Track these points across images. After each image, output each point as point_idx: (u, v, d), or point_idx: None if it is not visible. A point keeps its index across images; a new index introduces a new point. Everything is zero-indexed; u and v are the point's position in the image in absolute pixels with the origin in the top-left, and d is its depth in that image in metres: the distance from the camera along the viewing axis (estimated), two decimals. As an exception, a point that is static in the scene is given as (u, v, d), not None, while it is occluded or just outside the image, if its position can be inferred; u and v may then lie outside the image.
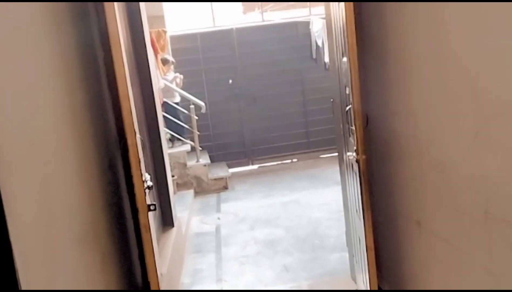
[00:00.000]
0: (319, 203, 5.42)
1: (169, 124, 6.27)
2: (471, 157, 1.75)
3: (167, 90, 6.25)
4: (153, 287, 2.30)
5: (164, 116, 5.65)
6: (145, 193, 2.19)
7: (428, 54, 1.96)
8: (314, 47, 7.31)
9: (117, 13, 2.12)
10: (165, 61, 6.28)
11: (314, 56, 7.35)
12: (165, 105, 6.22)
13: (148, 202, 2.26)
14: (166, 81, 6.15)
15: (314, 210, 5.24)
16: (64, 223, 1.63)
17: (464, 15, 1.67)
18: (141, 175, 2.17)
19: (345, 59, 2.42)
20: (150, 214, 3.40)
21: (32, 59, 1.56)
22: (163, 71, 6.31)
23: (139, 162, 2.17)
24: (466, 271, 1.92)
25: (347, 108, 2.47)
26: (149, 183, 2.31)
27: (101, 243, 2.06)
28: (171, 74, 6.37)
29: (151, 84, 4.24)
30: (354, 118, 2.29)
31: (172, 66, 6.38)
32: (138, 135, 2.22)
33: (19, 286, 1.19)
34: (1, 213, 1.15)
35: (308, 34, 7.35)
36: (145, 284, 2.74)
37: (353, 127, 2.33)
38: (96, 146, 2.21)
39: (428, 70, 1.99)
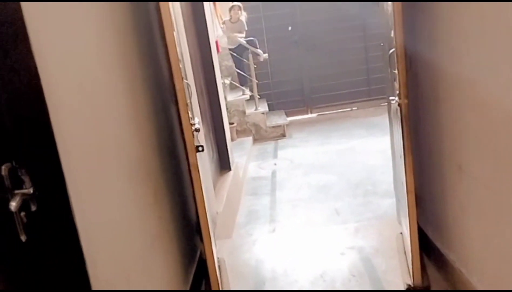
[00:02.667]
0: (375, 150, 5.41)
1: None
2: (509, 98, 1.72)
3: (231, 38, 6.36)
4: (202, 223, 2.51)
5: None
6: (193, 134, 2.36)
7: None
8: (377, -10, 7.00)
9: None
10: (231, 8, 6.33)
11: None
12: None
13: (196, 143, 2.42)
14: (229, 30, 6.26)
15: (370, 157, 5.25)
16: (115, 158, 1.83)
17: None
18: (189, 117, 2.32)
19: (390, 2, 2.37)
20: (205, 157, 3.62)
21: (84, 7, 1.72)
22: (224, 19, 6.39)
23: (187, 105, 2.32)
24: (503, 215, 1.93)
25: (390, 51, 2.44)
26: (197, 126, 2.47)
27: (153, 179, 2.27)
28: (241, 22, 6.42)
29: (207, 32, 4.35)
30: (397, 62, 2.28)
31: (240, 11, 6.38)
32: (185, 80, 2.36)
33: (72, 214, 1.37)
34: (55, 152, 1.32)
35: (370, -23, 7.04)
36: (199, 220, 2.98)
37: (396, 71, 2.32)
38: (149, 89, 2.38)
39: (471, 12, 1.93)
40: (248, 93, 6.56)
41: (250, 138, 6.44)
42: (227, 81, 6.50)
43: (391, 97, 2.53)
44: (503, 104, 1.79)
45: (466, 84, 2.08)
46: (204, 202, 2.45)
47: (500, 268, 2.02)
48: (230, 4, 6.40)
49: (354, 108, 7.53)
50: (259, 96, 6.71)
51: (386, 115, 6.97)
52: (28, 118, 1.26)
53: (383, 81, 7.19)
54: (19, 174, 1.26)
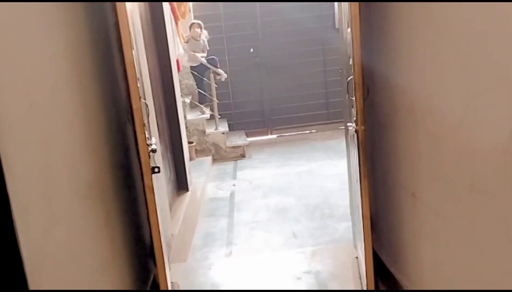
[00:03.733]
0: (333, 174, 5.48)
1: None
2: (461, 129, 1.78)
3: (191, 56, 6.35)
4: (156, 247, 2.44)
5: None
6: (149, 155, 2.30)
7: (426, 30, 1.97)
8: (337, 17, 7.19)
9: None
10: (191, 26, 6.33)
11: (336, 26, 7.24)
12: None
13: (153, 164, 2.36)
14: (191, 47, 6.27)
15: (327, 180, 5.30)
16: (65, 178, 1.75)
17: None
18: (145, 138, 2.27)
19: (349, 30, 2.43)
20: (162, 177, 3.54)
21: (38, 21, 1.65)
22: (185, 37, 6.38)
23: (144, 125, 2.27)
24: (452, 241, 1.97)
25: (348, 79, 2.49)
26: (154, 147, 2.41)
27: (106, 200, 2.19)
28: (201, 40, 6.42)
29: (168, 50, 4.32)
30: (354, 89, 2.32)
31: (200, 29, 6.37)
32: (143, 100, 2.32)
33: (18, 242, 1.29)
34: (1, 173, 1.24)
35: (331, 4, 7.23)
36: (153, 243, 2.90)
37: (353, 98, 2.36)
38: (105, 109, 2.32)
39: (425, 45, 2.00)
40: (208, 112, 6.53)
41: (210, 158, 6.39)
42: (188, 100, 6.46)
43: (348, 124, 2.57)
44: (454, 135, 1.84)
45: (420, 115, 2.14)
46: (158, 225, 2.38)
47: (451, 294, 2.06)
48: (191, 22, 6.40)
49: (313, 130, 7.63)
50: (219, 116, 6.70)
51: (344, 139, 7.11)
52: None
53: (341, 106, 7.38)
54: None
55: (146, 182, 2.29)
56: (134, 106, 2.19)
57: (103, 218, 2.13)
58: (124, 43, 2.14)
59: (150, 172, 2.29)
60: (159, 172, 2.40)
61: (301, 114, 7.58)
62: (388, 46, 2.41)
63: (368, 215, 2.42)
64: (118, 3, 2.11)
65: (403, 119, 2.34)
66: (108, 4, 2.55)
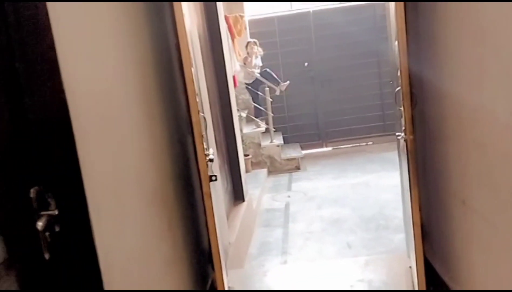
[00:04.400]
0: (388, 185, 5.45)
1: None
2: (507, 136, 1.81)
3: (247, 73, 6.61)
4: (214, 251, 2.60)
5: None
6: (207, 164, 2.48)
7: (472, 40, 2.02)
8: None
9: (185, 6, 2.40)
10: (248, 44, 6.59)
11: (391, 38, 7.23)
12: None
13: (210, 173, 2.54)
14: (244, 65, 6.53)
15: (383, 192, 5.29)
16: (134, 186, 1.96)
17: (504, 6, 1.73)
18: (203, 148, 2.45)
19: (396, 42, 2.51)
20: (219, 187, 3.72)
21: (110, 45, 1.88)
22: (241, 54, 6.64)
23: (202, 136, 2.45)
24: (503, 248, 1.98)
25: (397, 89, 2.56)
26: (211, 156, 2.59)
27: (168, 207, 2.38)
28: (258, 59, 6.67)
29: (225, 67, 4.54)
30: (403, 99, 2.39)
31: (256, 47, 6.62)
32: (201, 113, 2.51)
33: (92, 237, 1.48)
34: (79, 177, 1.44)
35: (385, 16, 7.22)
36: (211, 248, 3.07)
37: (402, 109, 2.43)
38: (167, 123, 2.53)
39: (471, 55, 2.04)
40: (263, 126, 6.71)
41: (265, 170, 6.54)
42: (244, 114, 6.67)
43: (397, 133, 2.62)
44: (500, 142, 1.87)
45: (468, 123, 2.17)
46: (216, 230, 2.54)
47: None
48: (247, 40, 6.64)
49: (369, 143, 7.60)
50: (274, 129, 6.85)
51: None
52: (55, 145, 1.39)
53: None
54: (46, 196, 1.39)
55: (205, 189, 2.46)
56: (194, 119, 2.38)
57: (166, 223, 2.32)
58: (184, 61, 2.34)
59: (208, 180, 2.46)
60: (215, 180, 2.57)
61: (357, 126, 7.58)
62: (436, 55, 2.46)
63: (418, 222, 2.46)
64: (178, 25, 2.31)
65: (452, 128, 2.37)
66: (169, 25, 2.79)
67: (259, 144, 6.63)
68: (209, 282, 3.07)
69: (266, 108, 6.75)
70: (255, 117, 6.85)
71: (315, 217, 4.88)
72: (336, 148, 7.65)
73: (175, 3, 2.30)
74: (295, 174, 6.59)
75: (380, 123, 7.60)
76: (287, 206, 5.37)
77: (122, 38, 2.03)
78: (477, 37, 1.99)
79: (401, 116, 2.65)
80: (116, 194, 1.77)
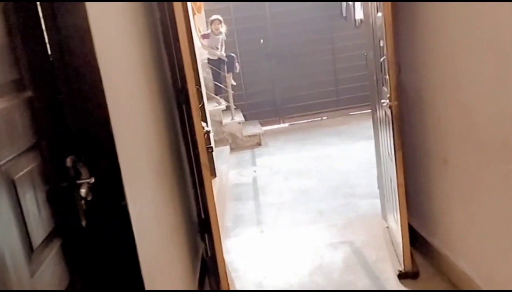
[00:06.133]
0: (348, 157, 5.71)
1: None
2: (492, 98, 2.01)
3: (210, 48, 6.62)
4: (212, 219, 2.67)
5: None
6: (204, 135, 2.53)
7: (455, 9, 2.20)
8: (344, 6, 7.41)
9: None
10: (212, 21, 6.55)
11: (344, 14, 7.47)
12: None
13: (207, 145, 2.59)
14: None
15: (344, 163, 5.54)
16: (146, 158, 1.99)
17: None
18: (200, 120, 2.50)
19: (379, 14, 2.66)
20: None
21: (117, 29, 1.88)
22: (202, 31, 6.61)
23: (199, 109, 2.50)
24: (484, 199, 2.21)
25: (381, 59, 2.72)
26: (207, 129, 2.64)
27: (168, 178, 2.42)
28: (222, 35, 6.65)
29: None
30: (388, 68, 2.55)
31: (220, 25, 6.60)
32: (197, 86, 2.54)
33: (125, 199, 1.52)
34: (112, 144, 1.47)
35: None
36: (200, 219, 3.14)
37: (387, 77, 2.59)
38: (162, 96, 2.55)
39: (455, 22, 2.23)
40: (224, 103, 6.75)
41: (227, 147, 6.61)
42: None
43: (382, 101, 2.80)
44: (485, 103, 2.08)
45: (449, 87, 2.38)
46: (214, 200, 2.61)
47: (484, 249, 2.30)
48: (210, 18, 6.60)
49: (324, 117, 7.86)
50: (235, 107, 6.92)
51: (355, 124, 7.34)
52: (87, 118, 1.41)
53: (351, 92, 7.63)
54: (78, 166, 1.41)
55: (203, 160, 2.51)
56: (190, 91, 2.42)
57: (168, 192, 2.36)
58: (180, 32, 2.35)
59: (205, 151, 2.51)
60: (212, 151, 2.62)
61: (312, 102, 7.80)
62: (415, 25, 2.64)
63: (403, 182, 2.66)
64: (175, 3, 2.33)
65: (432, 94, 2.57)
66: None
67: (221, 122, 6.68)
68: (200, 253, 3.15)
69: (226, 86, 6.79)
70: (215, 95, 6.87)
71: (283, 188, 5.04)
72: (293, 124, 7.85)
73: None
74: (257, 150, 6.71)
75: (334, 98, 7.87)
76: (254, 180, 5.49)
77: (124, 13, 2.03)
78: (462, 7, 2.17)
79: (383, 84, 2.83)
80: (137, 163, 1.80)
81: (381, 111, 3.00)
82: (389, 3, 2.46)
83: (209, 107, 6.63)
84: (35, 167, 1.23)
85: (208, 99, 6.87)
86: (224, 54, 6.73)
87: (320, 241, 3.46)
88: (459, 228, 2.53)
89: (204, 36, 6.57)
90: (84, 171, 1.42)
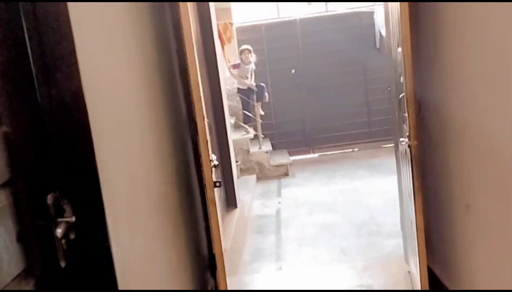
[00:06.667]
0: (377, 191, 5.50)
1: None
2: (516, 142, 1.84)
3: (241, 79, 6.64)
4: (218, 258, 2.57)
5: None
6: (211, 170, 2.46)
7: (479, 44, 2.05)
8: (377, 37, 7.30)
9: (189, 10, 2.38)
10: (242, 51, 6.59)
11: (377, 46, 7.34)
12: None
13: (214, 179, 2.52)
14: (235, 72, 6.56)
15: (372, 198, 5.33)
16: (143, 192, 1.92)
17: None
18: (208, 154, 2.43)
19: (399, 49, 2.54)
20: (216, 192, 3.70)
21: (116, 54, 1.85)
22: (231, 61, 6.66)
23: (207, 142, 2.43)
24: (507, 253, 2.01)
25: (401, 95, 2.59)
26: (215, 162, 2.57)
27: (172, 214, 2.35)
28: (251, 64, 6.67)
29: (218, 73, 4.53)
30: (407, 105, 2.41)
31: (250, 55, 6.62)
32: (206, 119, 2.49)
33: (109, 243, 1.45)
34: (97, 183, 1.41)
35: (372, 24, 7.35)
36: (210, 254, 3.04)
37: (406, 114, 2.45)
38: (171, 128, 2.50)
39: (478, 59, 2.08)
40: (252, 132, 6.71)
41: (254, 176, 6.53)
42: (232, 121, 6.65)
43: (401, 139, 2.65)
44: (508, 147, 1.90)
45: (474, 128, 2.21)
46: (220, 238, 2.52)
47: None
48: (240, 47, 6.64)
49: (355, 149, 7.67)
50: (263, 136, 6.85)
51: (387, 157, 7.12)
52: (71, 152, 1.36)
53: (384, 124, 7.41)
54: (61, 203, 1.35)
55: (209, 195, 2.44)
56: (199, 125, 2.36)
57: (171, 229, 2.29)
58: (190, 66, 2.32)
59: (212, 185, 2.44)
60: (220, 186, 2.55)
61: (343, 133, 7.63)
62: (438, 63, 2.50)
63: (422, 227, 2.48)
64: (184, 27, 2.29)
65: (455, 135, 2.41)
66: (170, 29, 2.77)
67: (248, 151, 6.62)
68: (208, 289, 3.04)
69: (254, 115, 6.75)
70: (244, 123, 6.84)
71: (307, 222, 4.88)
72: (323, 154, 7.69)
73: (181, 4, 2.28)
74: (284, 180, 6.59)
75: (365, 130, 7.68)
76: (278, 212, 5.36)
77: (127, 39, 2.00)
78: (482, 40, 2.03)
79: (403, 122, 2.68)
80: (129, 200, 1.74)
81: (402, 149, 2.85)
82: (408, 37, 2.35)
83: (237, 136, 6.60)
84: (7, 204, 1.19)
85: (236, 128, 6.86)
86: (254, 84, 6.72)
87: (339, 284, 3.28)
88: (483, 281, 2.31)
89: (234, 66, 6.60)
90: (68, 209, 1.37)
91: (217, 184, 2.51)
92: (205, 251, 3.06)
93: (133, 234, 1.75)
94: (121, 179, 1.67)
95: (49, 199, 1.31)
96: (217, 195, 3.92)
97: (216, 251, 2.52)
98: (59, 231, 1.31)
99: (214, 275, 3.05)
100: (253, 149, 6.71)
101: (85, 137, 1.38)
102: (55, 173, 1.35)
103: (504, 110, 1.93)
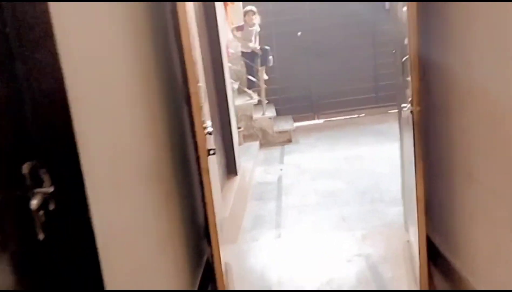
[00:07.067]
0: (382, 158, 5.40)
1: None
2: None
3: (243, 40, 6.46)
4: (211, 228, 2.52)
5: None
6: (205, 138, 2.37)
7: (487, 5, 1.91)
8: (387, -2, 7.02)
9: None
10: (246, 12, 6.39)
11: (387, 7, 7.06)
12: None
13: (209, 147, 2.44)
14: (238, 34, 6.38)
15: (377, 165, 5.24)
16: (131, 160, 1.85)
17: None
18: (202, 121, 2.34)
19: (405, 8, 2.39)
20: (214, 160, 3.63)
21: (104, 11, 1.74)
22: (236, 23, 6.46)
23: (200, 108, 2.34)
24: (509, 223, 1.93)
25: (404, 59, 2.45)
26: (210, 129, 2.48)
27: (164, 181, 2.28)
28: (256, 26, 6.47)
29: (218, 35, 4.38)
30: (411, 69, 2.28)
31: (255, 16, 6.41)
32: (199, 83, 2.38)
33: (89, 214, 1.38)
34: (75, 151, 1.34)
35: (381, -16, 7.06)
36: (207, 224, 2.99)
37: (409, 79, 2.33)
38: (163, 92, 2.40)
39: (486, 21, 1.94)
40: (256, 98, 6.58)
41: (257, 143, 6.45)
42: (235, 86, 6.52)
43: (403, 105, 2.53)
44: (516, 114, 1.79)
45: (478, 94, 2.09)
46: (213, 207, 2.46)
47: (508, 276, 2.02)
48: (244, 8, 6.43)
49: (361, 115, 7.53)
50: (267, 101, 6.73)
51: (393, 122, 6.94)
52: (49, 119, 1.27)
53: (391, 89, 7.20)
54: (39, 173, 1.28)
55: (203, 164, 2.36)
56: (192, 90, 2.26)
57: (163, 199, 2.23)
58: (182, 29, 2.20)
59: (206, 154, 2.36)
60: (214, 154, 2.47)
61: (349, 98, 7.48)
62: (445, 25, 2.35)
63: (422, 197, 2.40)
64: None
65: (459, 101, 2.29)
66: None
67: (251, 117, 6.51)
68: (204, 259, 3.01)
69: (259, 80, 6.61)
70: (248, 88, 6.71)
71: (309, 190, 4.82)
72: (328, 120, 7.57)
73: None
74: (287, 147, 6.51)
75: (372, 95, 7.52)
76: (279, 179, 5.30)
77: (117, 7, 1.89)
78: (494, 9, 1.88)
79: (406, 87, 2.56)
80: (114, 168, 1.67)
81: (404, 115, 2.73)
82: (413, -2, 2.20)
83: (240, 101, 6.49)
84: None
85: (240, 93, 6.73)
86: (258, 47, 6.54)
87: (337, 253, 3.24)
88: (483, 253, 2.24)
89: (238, 28, 6.41)
90: (46, 179, 1.30)
91: (211, 152, 2.43)
92: (201, 220, 3.01)
93: (117, 204, 1.68)
94: (103, 146, 1.59)
95: (25, 168, 1.25)
96: (216, 162, 3.86)
97: (210, 223, 2.47)
98: (33, 203, 1.24)
99: (210, 244, 3.02)
100: (257, 115, 6.61)
101: (62, 102, 1.29)
102: (32, 141, 1.28)
103: (510, 76, 1.81)
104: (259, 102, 6.65)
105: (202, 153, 2.37)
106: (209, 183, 2.42)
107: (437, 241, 2.76)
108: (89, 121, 1.48)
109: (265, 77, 6.69)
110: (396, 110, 7.08)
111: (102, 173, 1.55)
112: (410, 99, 2.36)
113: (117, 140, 1.73)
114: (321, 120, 7.57)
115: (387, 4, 7.02)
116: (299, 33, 7.32)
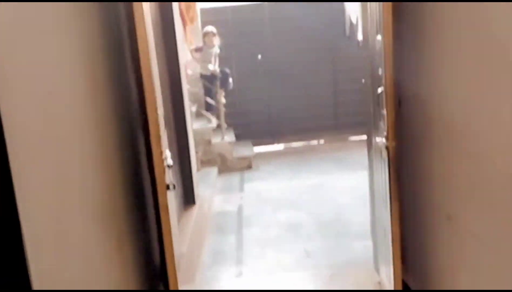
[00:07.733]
0: (344, 187, 5.28)
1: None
2: (507, 151, 1.59)
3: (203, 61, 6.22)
4: (169, 269, 2.24)
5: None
6: (164, 171, 2.11)
7: (467, 37, 1.79)
8: (348, 24, 7.04)
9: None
10: (206, 34, 6.18)
11: (347, 34, 7.09)
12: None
13: (168, 181, 2.17)
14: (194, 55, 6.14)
15: (339, 195, 5.10)
16: (79, 201, 1.57)
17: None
18: (161, 152, 2.08)
19: (379, 37, 2.25)
20: (172, 193, 3.35)
21: (54, 33, 1.48)
22: (194, 44, 6.24)
23: (159, 138, 2.08)
24: (496, 271, 1.78)
25: (379, 90, 2.31)
26: (169, 162, 2.23)
27: (118, 221, 2.00)
28: (215, 48, 6.26)
29: (177, 57, 4.14)
30: (386, 102, 2.14)
31: (214, 38, 6.21)
32: (159, 111, 2.13)
33: (28, 268, 1.13)
34: (11, 191, 1.09)
35: (342, 10, 7.08)
36: (163, 264, 2.70)
37: (384, 111, 2.18)
38: (116, 122, 2.13)
39: (466, 55, 1.82)
40: (215, 121, 6.34)
41: (215, 169, 6.19)
42: (193, 109, 6.27)
43: (377, 138, 2.38)
44: (498, 158, 1.66)
45: (459, 132, 1.96)
46: (172, 247, 2.20)
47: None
48: (203, 30, 6.23)
49: (321, 141, 7.44)
50: (226, 125, 6.51)
51: (354, 150, 6.90)
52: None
53: (352, 116, 7.19)
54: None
55: (161, 200, 2.09)
56: (150, 119, 2.01)
57: (114, 241, 1.94)
58: (141, 51, 1.96)
59: (165, 189, 2.10)
60: (174, 188, 2.21)
61: (309, 124, 7.37)
62: (421, 56, 2.23)
63: (398, 239, 2.24)
64: (136, 7, 1.92)
65: (438, 135, 2.15)
66: (122, 8, 2.38)
67: (210, 141, 6.26)
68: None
69: (217, 103, 6.38)
70: (206, 111, 6.46)
71: (270, 222, 4.60)
72: (288, 146, 7.42)
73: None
74: (247, 173, 6.28)
75: (332, 121, 7.45)
76: (240, 208, 5.05)
77: (66, 20, 1.63)
78: (470, 32, 1.76)
79: (380, 120, 2.41)
80: (58, 212, 1.39)
81: (376, 147, 2.58)
82: (390, 24, 2.06)
83: (198, 125, 6.23)
84: None
85: (198, 116, 6.48)
86: (218, 69, 6.34)
87: (302, 292, 3.02)
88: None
89: (197, 49, 6.19)
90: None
91: (170, 187, 2.17)
92: (157, 258, 2.71)
93: (61, 254, 1.40)
94: (45, 184, 1.32)
95: None
96: (173, 192, 3.58)
97: (168, 264, 2.20)
98: None
99: (166, 285, 2.72)
100: (215, 139, 6.36)
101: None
102: None
103: (492, 110, 1.68)
104: (218, 126, 6.41)
105: (160, 188, 2.11)
106: (168, 222, 2.16)
107: (411, 283, 2.59)
108: (27, 153, 1.21)
109: (223, 100, 6.47)
110: (358, 138, 7.06)
111: (42, 216, 1.27)
112: (385, 133, 2.21)
113: (61, 177, 1.45)
114: (281, 146, 7.41)
115: (347, 30, 7.06)
116: (259, 56, 7.19)
